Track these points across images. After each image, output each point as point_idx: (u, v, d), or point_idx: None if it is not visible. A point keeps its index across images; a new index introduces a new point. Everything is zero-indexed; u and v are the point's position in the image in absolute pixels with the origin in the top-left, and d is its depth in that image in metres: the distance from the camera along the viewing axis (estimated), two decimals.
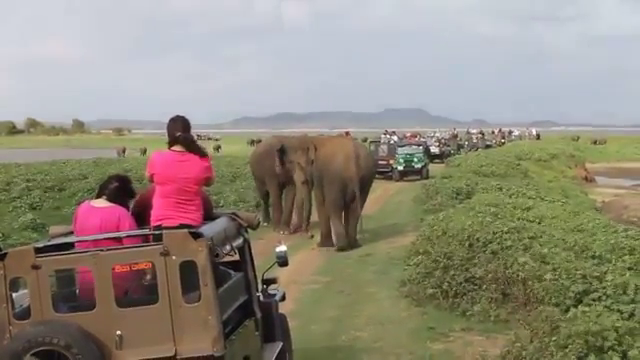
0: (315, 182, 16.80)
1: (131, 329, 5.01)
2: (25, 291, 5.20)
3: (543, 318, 7.98)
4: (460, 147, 54.57)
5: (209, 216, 5.84)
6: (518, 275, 9.77)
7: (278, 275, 7.33)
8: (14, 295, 5.18)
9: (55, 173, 28.75)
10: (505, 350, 7.76)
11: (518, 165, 36.73)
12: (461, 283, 10.37)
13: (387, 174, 33.34)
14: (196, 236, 5.07)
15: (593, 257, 10.39)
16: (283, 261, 6.94)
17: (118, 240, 5.36)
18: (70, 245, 5.35)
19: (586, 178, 45.84)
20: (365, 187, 16.43)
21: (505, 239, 11.22)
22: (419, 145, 37.70)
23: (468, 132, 66.04)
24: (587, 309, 7.94)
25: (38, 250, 5.13)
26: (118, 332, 5.00)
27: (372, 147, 34.99)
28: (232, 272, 5.99)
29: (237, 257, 6.05)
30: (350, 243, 15.89)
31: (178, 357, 5.01)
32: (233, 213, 6.20)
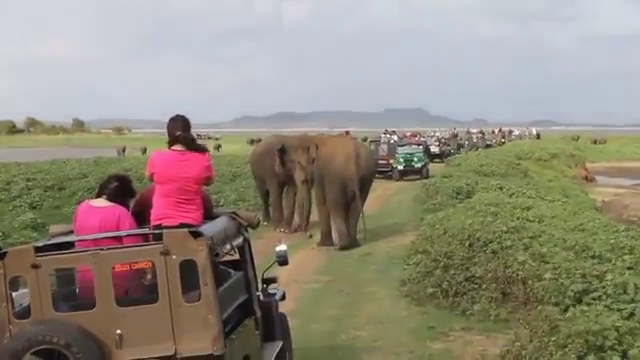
0: (315, 181, 16.81)
1: (131, 328, 5.01)
2: (25, 290, 5.20)
3: (543, 317, 7.99)
4: (460, 147, 54.57)
5: (209, 215, 5.85)
6: (518, 274, 9.78)
7: (278, 274, 7.33)
8: (14, 294, 5.18)
9: (55, 172, 28.76)
10: (505, 349, 7.76)
11: (518, 165, 36.73)
12: (461, 282, 10.37)
13: (387, 173, 33.34)
14: (196, 235, 5.07)
15: (593, 256, 10.39)
16: (283, 260, 6.95)
17: (118, 239, 5.36)
18: (70, 244, 5.35)
19: (586, 177, 45.86)
20: (365, 186, 16.44)
21: (505, 238, 11.23)
22: (419, 145, 37.69)
23: (468, 132, 66.04)
24: (587, 308, 7.95)
25: (38, 249, 5.13)
26: (118, 331, 5.00)
27: (372, 146, 34.98)
28: (232, 271, 5.99)
29: (237, 256, 6.05)
30: (350, 242, 15.91)
31: (178, 356, 5.01)
32: (233, 212, 6.20)
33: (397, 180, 32.92)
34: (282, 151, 17.96)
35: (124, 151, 61.11)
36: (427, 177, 31.80)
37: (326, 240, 16.24)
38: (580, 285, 8.88)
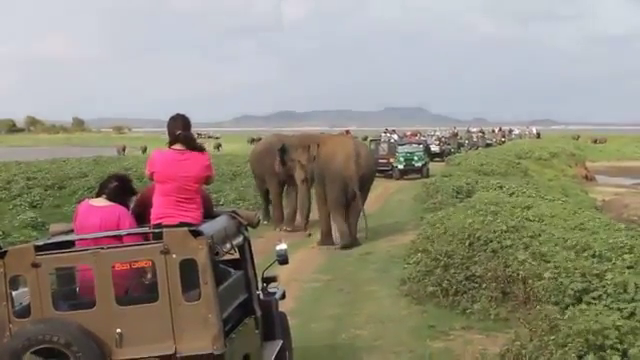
0: (316, 180, 16.82)
1: (131, 327, 5.02)
2: (25, 289, 5.20)
3: (543, 317, 7.99)
4: (460, 146, 54.55)
5: (209, 214, 5.85)
6: (518, 274, 9.78)
7: (278, 273, 7.33)
8: (14, 293, 5.18)
9: (55, 171, 28.76)
10: (505, 348, 7.77)
11: (518, 164, 36.75)
12: (461, 281, 10.37)
13: (387, 173, 33.35)
14: (196, 234, 5.07)
15: (593, 256, 10.38)
16: (283, 259, 6.96)
17: (118, 238, 5.36)
18: (70, 243, 5.35)
19: (586, 177, 45.88)
20: (366, 186, 16.44)
21: (505, 238, 11.23)
22: (419, 144, 37.70)
23: (468, 131, 66.03)
24: (587, 308, 7.95)
25: (38, 248, 5.13)
26: (118, 330, 5.01)
27: (372, 146, 34.99)
28: (232, 270, 6.00)
29: (237, 255, 6.06)
30: (351, 241, 15.92)
31: (178, 355, 5.01)
32: (233, 211, 6.20)
33: (397, 179, 32.92)
34: (283, 150, 17.98)
35: (124, 150, 61.13)
36: (427, 176, 31.79)
37: (326, 239, 16.25)
38: (580, 284, 8.87)
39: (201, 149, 5.70)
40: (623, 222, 18.72)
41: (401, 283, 11.49)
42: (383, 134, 44.19)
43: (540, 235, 11.60)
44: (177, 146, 5.63)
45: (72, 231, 5.71)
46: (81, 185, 24.08)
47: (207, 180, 5.78)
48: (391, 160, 34.44)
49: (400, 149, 35.15)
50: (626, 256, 10.17)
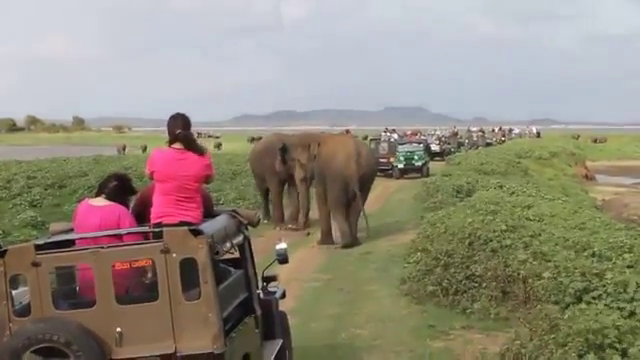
0: (316, 180, 16.84)
1: (131, 326, 5.02)
2: (25, 288, 5.20)
3: (543, 316, 7.99)
4: (460, 145, 54.53)
5: (209, 213, 5.84)
6: (518, 273, 9.78)
7: (278, 272, 7.33)
8: (14, 292, 5.19)
9: (55, 170, 28.77)
10: (505, 348, 7.76)
11: (518, 163, 36.77)
12: (461, 281, 10.37)
13: (387, 172, 33.35)
14: (196, 233, 5.07)
15: (593, 255, 10.38)
16: (283, 258, 6.96)
17: (119, 238, 5.36)
18: (70, 242, 5.35)
19: (586, 176, 45.89)
20: (366, 185, 16.45)
21: (505, 237, 11.23)
22: (419, 143, 37.70)
23: (469, 130, 66.01)
24: (587, 307, 7.95)
25: (38, 247, 5.13)
26: (118, 329, 5.01)
27: (373, 145, 34.98)
28: (232, 269, 6.00)
29: (237, 254, 6.06)
30: (352, 241, 15.93)
31: (178, 354, 5.01)
32: (233, 210, 6.20)
33: (397, 178, 32.92)
34: (284, 149, 17.98)
35: (124, 149, 61.14)
36: (427, 175, 31.80)
37: (326, 238, 16.26)
38: (580, 284, 8.87)
39: (201, 152, 5.68)
40: (623, 221, 18.75)
41: (401, 282, 11.49)
42: (383, 133, 44.17)
43: (540, 235, 11.60)
44: (177, 145, 5.63)
45: (72, 230, 5.71)
46: (81, 184, 24.09)
47: (207, 179, 5.78)
48: (391, 159, 34.45)
49: (400, 148, 35.16)
50: (626, 255, 10.17)
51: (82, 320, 4.99)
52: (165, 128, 5.70)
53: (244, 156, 34.03)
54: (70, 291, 5.38)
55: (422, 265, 11.47)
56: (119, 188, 5.75)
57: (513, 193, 20.65)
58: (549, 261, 9.86)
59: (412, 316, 10.07)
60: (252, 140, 65.84)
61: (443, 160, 41.91)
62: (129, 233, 5.39)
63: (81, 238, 5.39)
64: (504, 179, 26.27)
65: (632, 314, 8.12)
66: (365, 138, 44.10)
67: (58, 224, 6.18)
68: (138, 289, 5.25)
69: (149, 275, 5.20)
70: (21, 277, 5.18)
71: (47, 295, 5.06)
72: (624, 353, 6.96)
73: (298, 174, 17.37)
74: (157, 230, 5.24)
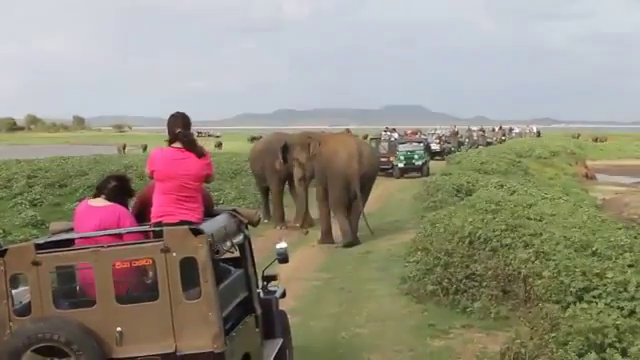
0: (317, 179, 16.83)
1: (131, 325, 5.02)
2: (25, 287, 5.20)
3: (543, 315, 8.00)
4: (461, 144, 54.49)
5: (209, 213, 5.84)
6: (519, 272, 9.78)
7: (279, 272, 7.33)
8: (14, 291, 5.19)
9: (56, 170, 28.78)
10: (505, 347, 7.76)
11: (519, 162, 36.75)
12: (461, 280, 10.36)
13: (388, 171, 33.33)
14: (196, 232, 5.07)
15: (594, 254, 10.39)
16: (283, 258, 6.96)
17: (119, 237, 5.35)
18: (71, 242, 5.35)
19: (587, 175, 45.87)
20: (367, 184, 16.45)
21: (505, 236, 11.23)
22: (420, 142, 37.67)
23: (469, 129, 65.98)
24: (587, 306, 7.95)
25: (39, 246, 5.14)
26: (118, 328, 5.01)
27: (373, 144, 34.96)
28: (232, 269, 6.00)
29: (237, 254, 6.05)
30: (353, 240, 15.93)
31: (178, 353, 5.01)
32: (233, 210, 6.20)
33: (398, 178, 32.90)
34: (285, 148, 17.98)
35: (124, 148, 61.15)
36: (428, 175, 31.78)
37: (326, 238, 16.26)
38: (581, 283, 8.88)
39: (201, 154, 5.67)
40: (623, 221, 18.75)
41: (401, 282, 11.50)
42: (383, 133, 44.10)
43: (541, 234, 11.61)
44: (177, 144, 5.63)
45: (72, 229, 5.70)
46: (81, 183, 24.09)
47: (207, 178, 5.77)
48: (391, 159, 34.42)
49: (400, 148, 35.14)
50: (626, 254, 10.19)
51: (82, 319, 4.99)
52: (165, 127, 5.71)
53: (244, 155, 34.05)
54: (70, 290, 5.38)
55: (422, 264, 11.47)
56: (118, 188, 5.75)
57: (514, 192, 20.65)
58: (549, 260, 9.87)
59: (412, 315, 10.07)
60: (252, 139, 65.81)
61: (443, 159, 41.90)
62: (129, 232, 5.39)
63: (81, 238, 5.39)
64: (504, 178, 26.27)
65: (632, 313, 8.13)
66: (365, 137, 44.06)
67: (58, 223, 6.17)
68: (138, 288, 5.25)
69: (149, 274, 5.20)
70: (21, 276, 5.19)
71: (47, 294, 5.06)
72: (624, 352, 6.97)
73: (297, 173, 17.39)
74: (157, 229, 5.24)
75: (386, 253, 14.57)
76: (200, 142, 5.94)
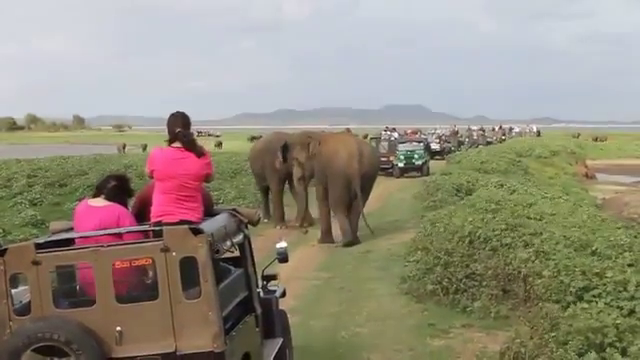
0: (317, 178, 16.83)
1: (131, 325, 5.02)
2: (25, 287, 5.20)
3: (543, 315, 7.99)
4: (461, 144, 54.49)
5: (209, 212, 5.84)
6: (519, 272, 9.78)
7: (279, 271, 7.33)
8: (14, 291, 5.19)
9: (56, 169, 28.78)
10: (505, 346, 7.76)
11: (519, 162, 36.75)
12: (461, 279, 10.37)
13: (388, 171, 33.33)
14: (196, 232, 5.07)
15: (594, 254, 10.39)
16: (283, 257, 6.96)
17: (118, 237, 5.35)
18: (71, 241, 5.35)
19: (587, 175, 45.86)
20: (368, 184, 16.45)
21: (504, 236, 11.23)
22: (420, 142, 37.66)
23: (469, 129, 65.97)
24: (587, 306, 7.95)
25: (38, 246, 5.14)
26: (118, 328, 5.01)
27: (373, 144, 34.96)
28: (232, 268, 6.00)
29: (237, 253, 6.05)
30: (353, 239, 15.93)
31: (178, 353, 5.01)
32: (233, 209, 6.20)
33: (398, 177, 32.90)
34: (285, 148, 17.98)
35: (124, 148, 61.14)
36: (428, 174, 31.77)
37: (326, 237, 16.26)
38: (580, 282, 8.88)
39: (201, 154, 5.67)
40: (623, 220, 18.75)
41: (401, 281, 11.50)
42: (383, 132, 44.08)
43: (541, 233, 11.61)
44: (177, 144, 5.62)
45: (72, 229, 5.70)
46: (81, 183, 24.09)
47: (207, 178, 5.77)
48: (391, 158, 34.41)
49: (400, 147, 35.14)
50: (626, 254, 10.19)
51: (82, 319, 4.99)
52: (165, 127, 5.71)
53: (244, 155, 34.06)
54: (70, 290, 5.38)
55: (422, 264, 11.48)
56: (118, 188, 5.74)
57: (514, 192, 20.64)
58: (549, 260, 9.86)
59: (412, 315, 10.07)
60: (252, 139, 65.78)
61: (443, 159, 41.91)
62: (129, 232, 5.39)
63: (81, 237, 5.39)
64: (504, 178, 26.25)
65: (632, 312, 8.13)
66: (365, 137, 44.04)
67: (58, 223, 6.17)
68: (138, 288, 5.25)
69: (149, 274, 5.20)
70: (21, 276, 5.19)
71: (47, 294, 5.06)
72: (624, 352, 6.97)
73: (296, 172, 17.39)
74: (157, 229, 5.24)
75: (386, 252, 14.58)
76: (200, 142, 5.94)
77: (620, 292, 8.59)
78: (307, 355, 8.18)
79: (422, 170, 33.44)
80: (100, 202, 5.65)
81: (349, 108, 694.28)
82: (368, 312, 10.37)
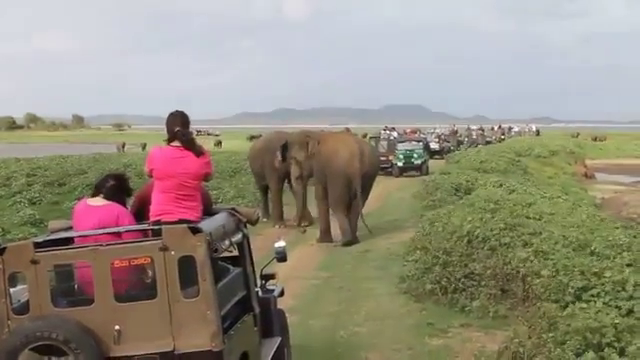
0: (316, 177, 16.82)
1: (130, 324, 5.02)
2: (24, 286, 5.20)
3: (541, 314, 8.00)
4: (460, 143, 54.51)
5: (208, 211, 5.85)
6: (517, 271, 9.78)
7: (278, 271, 7.34)
8: (12, 290, 5.19)
9: (55, 168, 28.78)
10: (503, 346, 7.77)
11: (518, 161, 36.75)
12: (460, 279, 10.37)
13: (387, 170, 33.34)
14: (195, 231, 5.08)
15: (592, 254, 10.39)
16: (282, 257, 6.97)
17: (117, 236, 5.35)
18: (69, 240, 5.35)
19: (586, 175, 45.86)
20: (368, 184, 16.46)
21: (504, 235, 11.24)
22: (419, 141, 37.67)
23: (468, 128, 65.98)
24: (585, 305, 7.95)
25: (37, 245, 5.13)
26: (117, 327, 5.01)
27: (372, 143, 34.97)
28: (231, 267, 6.00)
29: (236, 252, 6.06)
30: (353, 239, 15.93)
31: (176, 352, 5.02)
32: (232, 208, 6.21)
33: (397, 176, 32.90)
34: (285, 147, 17.98)
35: (123, 147, 61.12)
36: (427, 174, 31.76)
37: (325, 236, 16.26)
38: (579, 282, 8.88)
39: (200, 153, 5.67)
40: (622, 220, 18.75)
41: (400, 280, 11.50)
42: (383, 131, 44.08)
43: (540, 233, 11.61)
44: (176, 143, 5.63)
45: (71, 228, 5.70)
46: (81, 182, 24.09)
47: (206, 177, 5.77)
48: (390, 157, 34.42)
49: (400, 146, 35.14)
50: (625, 254, 10.18)
51: (81, 318, 4.99)
52: (165, 126, 5.71)
53: (244, 154, 34.06)
54: (69, 289, 5.38)
55: (421, 263, 11.48)
56: (117, 187, 5.74)
57: (513, 191, 20.64)
58: (548, 259, 9.87)
59: (411, 314, 10.08)
60: (251, 138, 65.73)
61: (442, 158, 41.92)
62: (128, 231, 5.39)
63: (80, 236, 5.39)
64: (504, 177, 26.25)
65: (630, 312, 8.13)
66: (364, 136, 44.04)
67: (57, 222, 6.17)
68: (137, 287, 5.25)
69: (148, 273, 5.20)
70: (20, 275, 5.19)
71: (46, 293, 5.06)
72: (622, 352, 6.97)
73: (294, 172, 17.39)
74: (156, 228, 5.25)
75: (385, 252, 14.58)
76: (199, 141, 5.94)
77: (619, 292, 8.59)
78: (305, 354, 8.19)
79: (421, 169, 33.44)
80: (99, 201, 5.65)
81: (349, 108, 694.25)
82: (367, 311, 10.38)
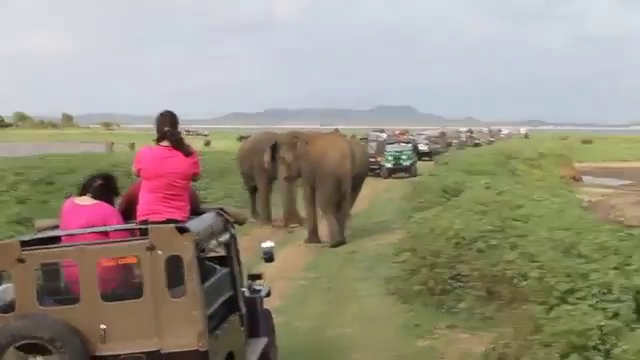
0: (304, 178, 16.80)
1: (116, 323, 5.02)
2: (10, 285, 5.19)
3: (527, 316, 8.01)
4: (449, 145, 54.64)
5: (196, 211, 5.85)
6: (504, 273, 9.80)
7: (265, 271, 7.34)
8: None
9: (43, 167, 28.65)
10: (489, 347, 7.80)
11: (506, 164, 36.79)
12: (447, 280, 10.39)
13: (375, 171, 33.37)
14: (182, 231, 5.08)
15: (579, 256, 10.41)
16: (269, 257, 6.98)
17: (105, 235, 5.35)
18: (56, 239, 5.34)
19: (574, 177, 45.94)
20: (358, 184, 16.47)
21: (491, 237, 11.25)
22: (408, 143, 37.75)
23: (457, 131, 66.18)
24: (571, 308, 7.97)
25: (24, 243, 5.12)
26: (103, 326, 5.01)
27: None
28: (218, 267, 6.00)
29: (223, 252, 6.06)
30: (341, 240, 15.94)
31: (162, 351, 5.02)
32: (220, 208, 6.21)
33: (385, 178, 32.96)
34: (274, 147, 17.97)
35: (112, 146, 60.89)
36: (415, 175, 31.84)
37: (313, 237, 16.27)
38: (565, 284, 8.89)
39: (188, 152, 5.67)
40: (609, 223, 18.77)
41: (387, 282, 11.53)
42: (372, 133, 44.16)
43: (527, 235, 11.62)
44: (165, 143, 5.63)
45: (58, 227, 5.69)
46: (69, 181, 23.98)
47: (194, 177, 5.78)
48: (379, 159, 34.47)
49: (389, 148, 35.21)
50: (611, 257, 10.20)
51: (66, 317, 4.99)
52: (154, 125, 5.72)
53: (233, 154, 34.01)
54: (55, 288, 5.38)
55: (408, 265, 11.50)
56: (104, 187, 5.74)
57: (501, 193, 20.65)
58: (535, 261, 9.88)
59: (398, 315, 10.10)
60: (241, 139, 65.58)
61: (431, 160, 41.99)
62: (115, 230, 5.39)
63: (67, 235, 5.38)
64: (492, 179, 26.26)
65: (616, 315, 8.14)
66: (353, 137, 44.10)
67: (44, 220, 6.17)
68: (123, 286, 5.25)
69: (135, 272, 5.20)
70: (5, 273, 5.18)
71: (32, 292, 5.05)
72: (607, 354, 6.99)
73: (282, 172, 17.39)
74: (143, 227, 5.24)
75: (373, 253, 14.60)
76: (188, 141, 5.95)
77: (605, 294, 8.59)
78: (292, 355, 8.19)
79: (410, 171, 33.52)
80: (87, 200, 5.65)
81: (339, 109, 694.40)
82: (354, 312, 10.40)
